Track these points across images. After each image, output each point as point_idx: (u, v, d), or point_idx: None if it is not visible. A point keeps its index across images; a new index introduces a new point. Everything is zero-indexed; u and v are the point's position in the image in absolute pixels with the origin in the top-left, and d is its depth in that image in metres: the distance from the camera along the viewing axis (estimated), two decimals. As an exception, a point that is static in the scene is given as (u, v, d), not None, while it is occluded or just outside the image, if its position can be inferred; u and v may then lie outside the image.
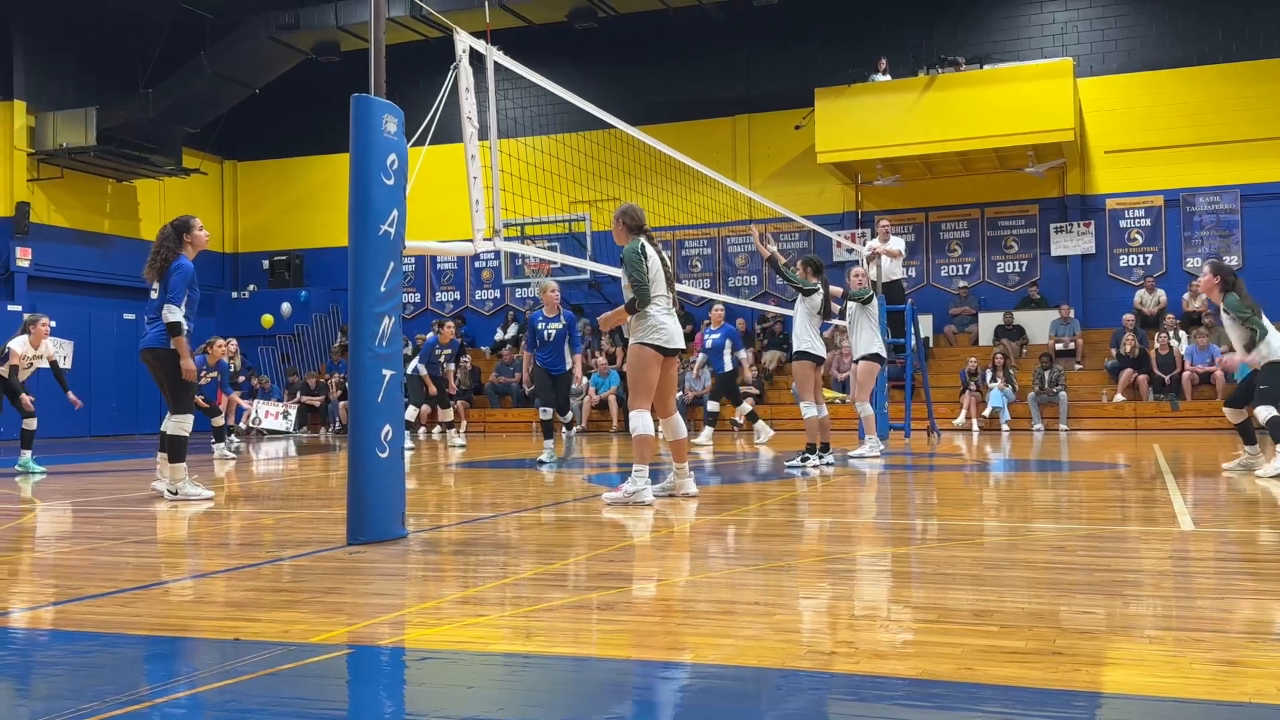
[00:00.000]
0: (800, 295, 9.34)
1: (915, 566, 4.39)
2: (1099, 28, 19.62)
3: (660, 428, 6.91)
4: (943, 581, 3.92)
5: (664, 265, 6.72)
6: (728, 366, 14.36)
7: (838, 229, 19.89)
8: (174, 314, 7.06)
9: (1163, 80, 19.20)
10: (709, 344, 14.52)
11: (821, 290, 9.36)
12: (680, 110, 21.32)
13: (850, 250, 17.04)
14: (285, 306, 23.32)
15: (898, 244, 15.54)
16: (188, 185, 23.44)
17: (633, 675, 2.75)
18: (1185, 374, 16.96)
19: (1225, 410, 8.63)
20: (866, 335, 10.93)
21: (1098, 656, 2.78)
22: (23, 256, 20.34)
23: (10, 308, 19.04)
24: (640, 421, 6.60)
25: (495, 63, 6.31)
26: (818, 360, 9.37)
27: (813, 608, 3.51)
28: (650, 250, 6.66)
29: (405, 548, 4.83)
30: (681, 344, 6.72)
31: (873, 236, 16.17)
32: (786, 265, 9.75)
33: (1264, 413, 7.90)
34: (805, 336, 9.32)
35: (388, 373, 4.88)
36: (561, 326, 10.67)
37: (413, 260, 22.17)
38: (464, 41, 5.71)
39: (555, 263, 10.71)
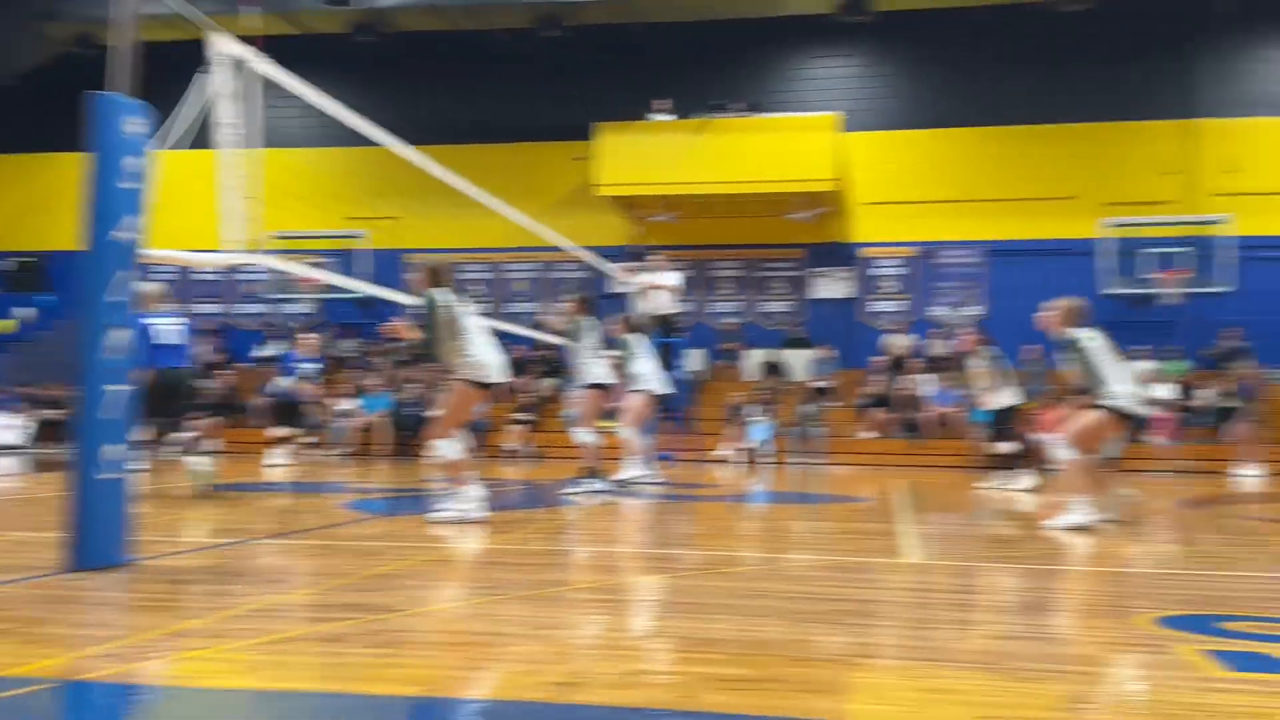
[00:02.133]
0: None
1: (662, 595, 4.48)
2: (864, 85, 20.88)
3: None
4: (686, 611, 4.01)
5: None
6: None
7: (616, 261, 20.22)
8: None
9: (920, 139, 20.59)
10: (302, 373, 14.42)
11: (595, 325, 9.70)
12: (461, 133, 21.14)
13: (627, 283, 17.33)
14: (23, 312, 21.58)
15: (672, 278, 15.94)
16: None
17: (356, 710, 2.67)
18: (928, 414, 18.13)
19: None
20: (642, 364, 11.18)
21: (816, 684, 2.90)
22: None
23: None
24: (449, 447, 6.91)
25: (261, 69, 6.08)
26: (605, 389, 9.74)
27: (552, 638, 3.51)
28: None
29: (129, 575, 4.52)
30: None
31: (647, 270, 16.51)
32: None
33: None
34: (594, 367, 9.65)
35: (114, 388, 4.56)
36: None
37: (182, 271, 20.95)
38: (221, 46, 5.47)
39: (322, 281, 10.37)
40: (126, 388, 4.64)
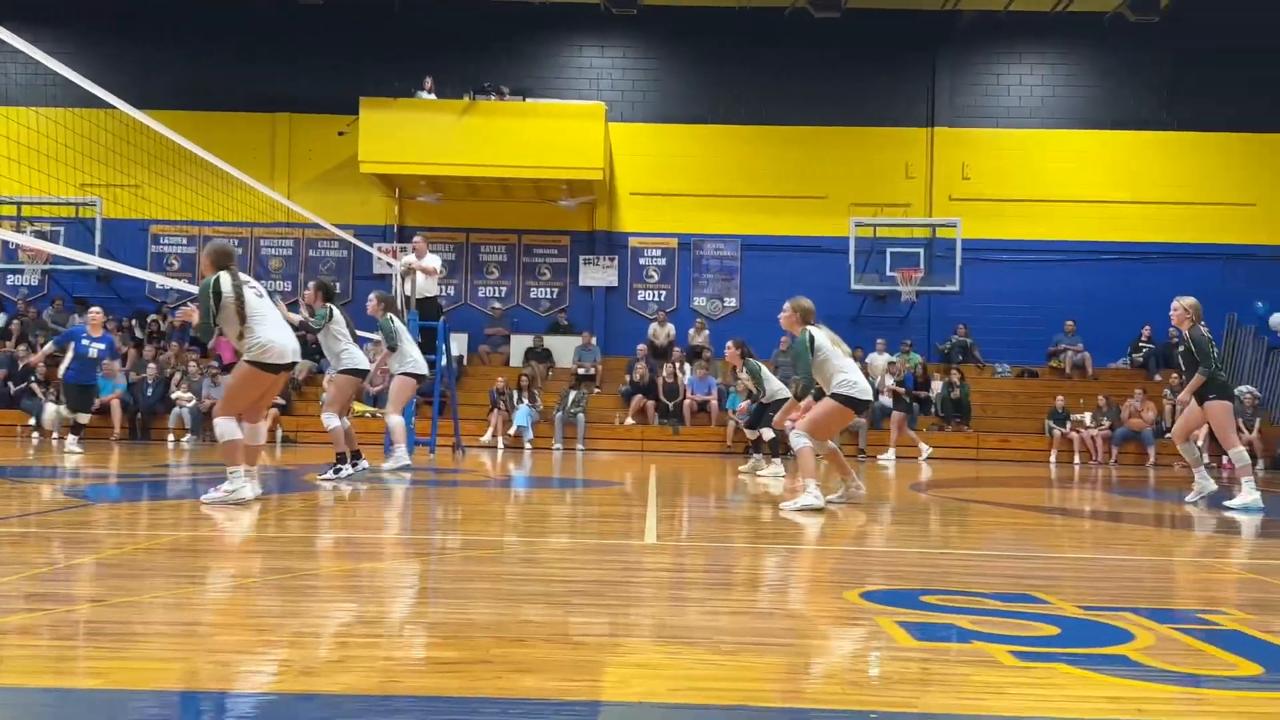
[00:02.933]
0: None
1: (389, 581, 4.37)
2: (631, 78, 21.21)
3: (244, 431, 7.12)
4: (409, 596, 3.93)
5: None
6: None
7: (379, 241, 19.70)
8: None
9: (682, 133, 21.12)
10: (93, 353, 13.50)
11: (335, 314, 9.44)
12: (214, 100, 20.07)
13: (389, 264, 16.92)
14: None
15: (434, 261, 15.65)
16: None
17: (34, 706, 2.45)
18: (687, 402, 18.65)
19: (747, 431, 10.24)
20: (404, 347, 10.92)
21: (523, 664, 2.89)
22: None
23: None
24: (228, 428, 6.92)
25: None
26: (360, 374, 9.53)
27: (256, 627, 3.35)
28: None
29: None
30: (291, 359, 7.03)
31: (410, 252, 16.16)
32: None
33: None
34: (346, 353, 9.33)
35: None
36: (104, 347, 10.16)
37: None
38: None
39: (48, 251, 9.57)
40: None
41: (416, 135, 18.77)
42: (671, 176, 20.92)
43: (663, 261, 21.17)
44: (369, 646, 3.04)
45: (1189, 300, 9.20)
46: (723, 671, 2.83)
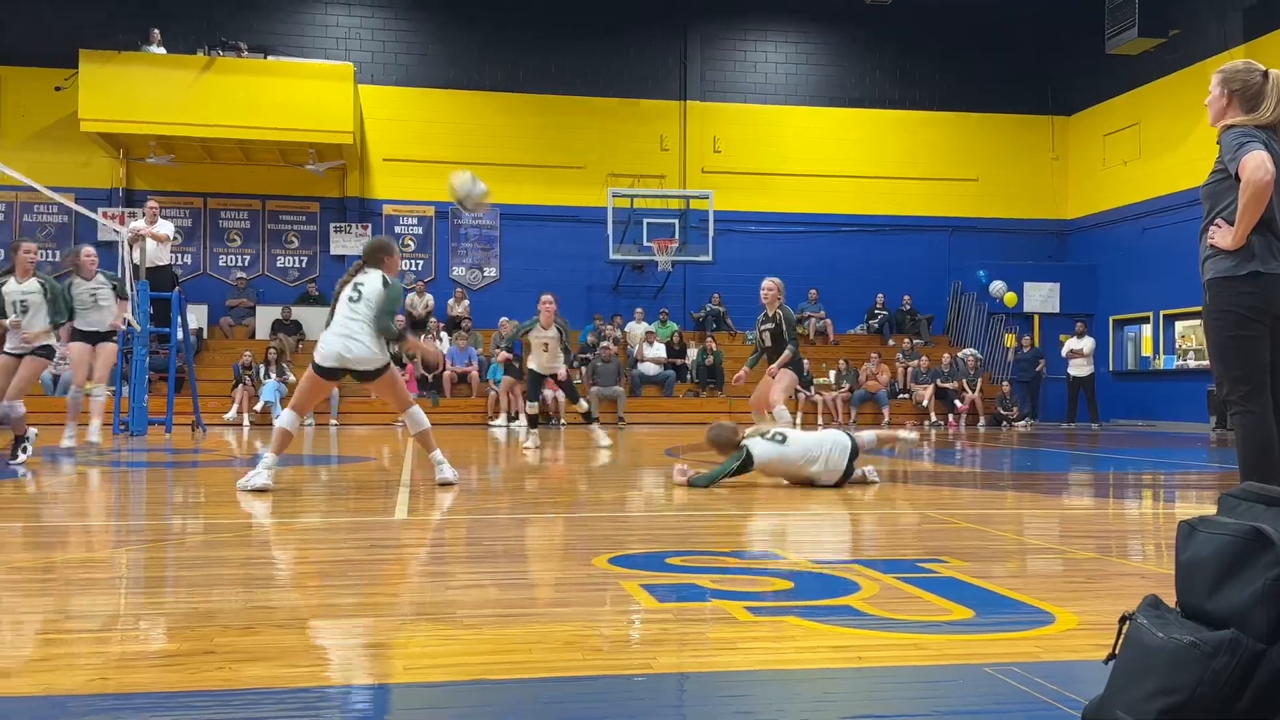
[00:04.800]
0: None
1: (102, 573, 4.05)
2: (380, 39, 20.52)
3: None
4: (125, 586, 3.65)
5: None
6: None
7: (104, 206, 18.27)
8: None
9: (439, 99, 20.65)
10: None
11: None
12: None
13: (116, 231, 15.70)
14: None
15: (166, 228, 14.66)
16: None
17: None
18: (447, 373, 18.37)
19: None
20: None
21: (248, 652, 2.73)
22: None
23: None
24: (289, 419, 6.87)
25: None
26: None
27: (-54, 629, 3.02)
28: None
29: None
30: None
31: (140, 218, 15.05)
32: None
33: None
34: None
35: None
36: None
37: None
38: None
39: None
40: None
41: (145, 92, 17.46)
42: (427, 143, 20.43)
43: (419, 230, 20.70)
44: (80, 643, 2.79)
45: (777, 281, 9.91)
46: (461, 646, 2.77)
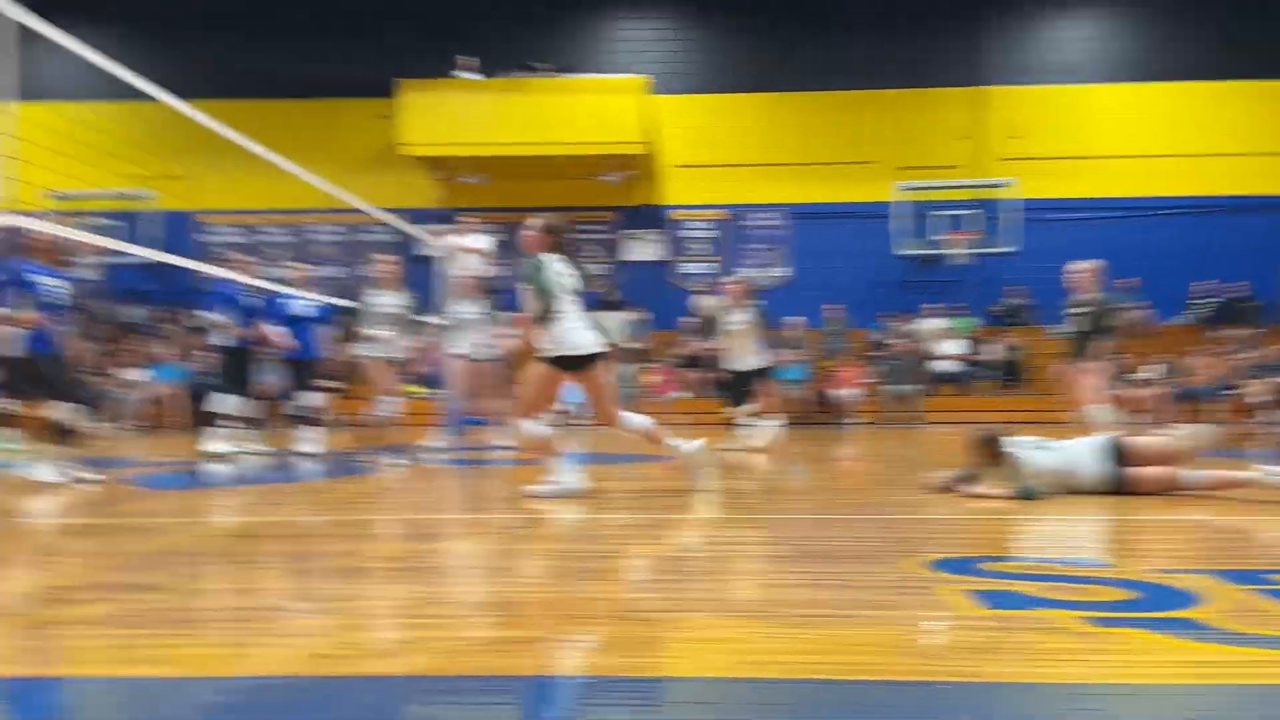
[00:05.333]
0: None
1: (445, 561, 4.40)
2: (673, 49, 21.03)
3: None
4: (465, 575, 3.95)
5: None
6: None
7: (423, 224, 19.80)
8: None
9: (727, 103, 20.93)
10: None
11: None
12: (256, 87, 20.20)
13: (435, 245, 16.97)
14: None
15: (483, 242, 15.67)
16: None
17: (119, 694, 2.50)
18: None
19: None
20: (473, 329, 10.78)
21: (588, 640, 2.89)
22: None
23: None
24: (535, 425, 6.61)
25: (19, 21, 5.60)
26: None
27: (324, 610, 3.39)
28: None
29: None
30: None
31: (456, 234, 16.18)
32: None
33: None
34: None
35: None
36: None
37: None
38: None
39: (104, 246, 9.72)
40: None
41: (458, 115, 18.77)
42: (716, 147, 20.75)
43: (709, 234, 21.07)
44: (434, 628, 3.05)
45: (1094, 263, 9.18)
46: (787, 644, 2.81)
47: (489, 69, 19.43)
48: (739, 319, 10.83)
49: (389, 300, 9.96)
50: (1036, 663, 2.62)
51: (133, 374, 16.92)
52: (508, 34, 20.54)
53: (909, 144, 20.68)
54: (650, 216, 21.03)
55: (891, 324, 19.31)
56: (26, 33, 5.92)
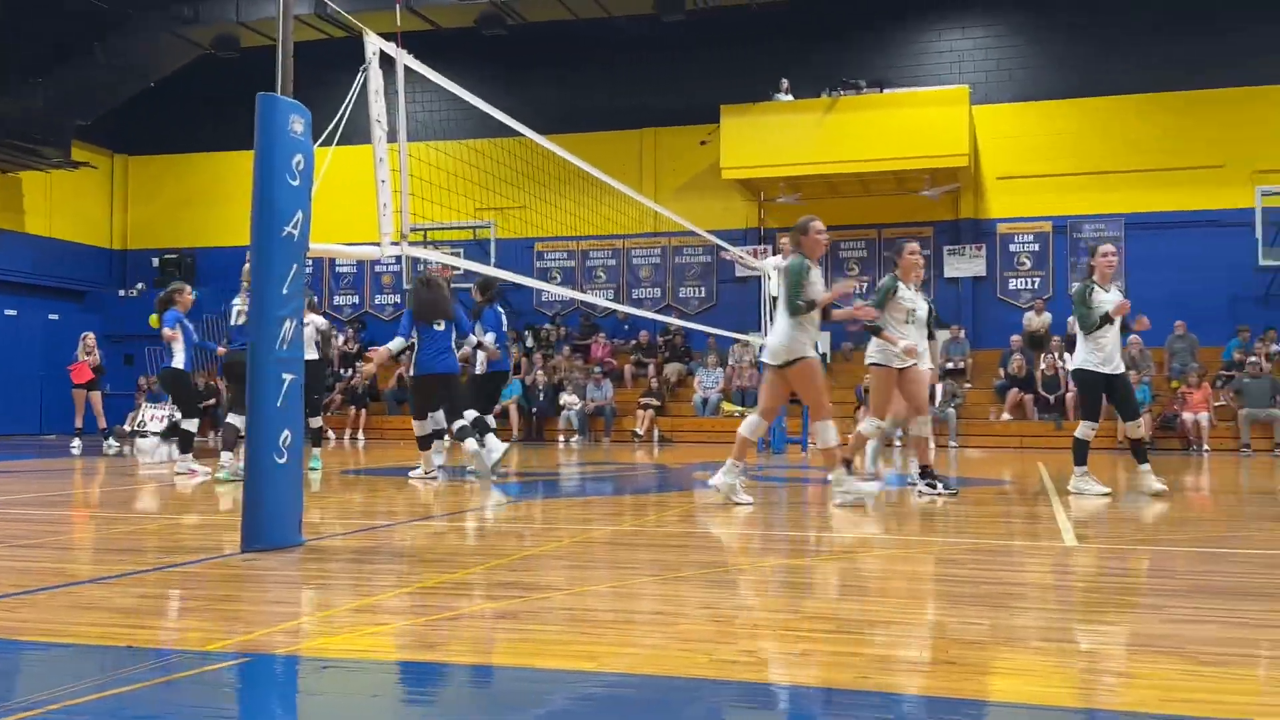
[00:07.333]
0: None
1: (811, 577, 4.48)
2: (994, 57, 20.30)
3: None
4: (836, 593, 4.01)
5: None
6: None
7: (741, 244, 20.16)
8: None
9: (1053, 110, 19.94)
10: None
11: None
12: (587, 121, 21.35)
13: (753, 266, 17.27)
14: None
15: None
16: (76, 179, 22.68)
17: (536, 684, 2.76)
18: (1069, 394, 17.58)
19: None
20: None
21: (986, 666, 2.87)
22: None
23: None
24: (829, 431, 6.94)
25: (405, 66, 6.27)
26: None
27: (713, 617, 3.55)
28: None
29: (302, 555, 4.75)
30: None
31: (775, 253, 16.40)
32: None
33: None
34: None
35: (288, 376, 4.78)
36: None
37: (311, 263, 21.75)
38: (374, 43, 5.66)
39: (459, 269, 10.64)
40: (296, 376, 4.87)
41: (775, 138, 19.01)
42: (1040, 156, 19.81)
43: (1035, 247, 20.10)
44: (831, 642, 3.13)
45: None
46: (1209, 684, 2.67)
47: (807, 90, 19.55)
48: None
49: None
50: None
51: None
52: (826, 54, 20.57)
53: (1268, 145, 18.83)
54: (970, 230, 20.36)
55: (1255, 342, 17.60)
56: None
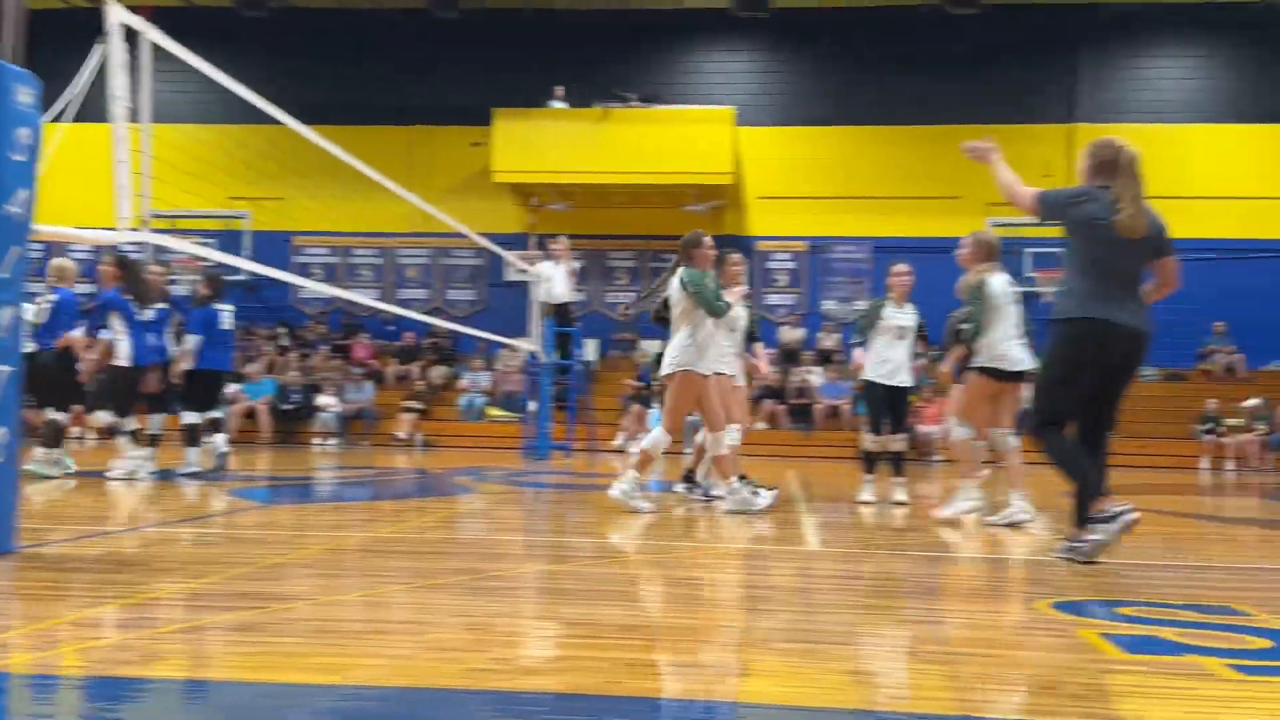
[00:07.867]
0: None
1: (569, 583, 4.48)
2: (758, 81, 21.13)
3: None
4: (593, 598, 4.02)
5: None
6: None
7: (512, 248, 20.08)
8: None
9: (810, 135, 20.95)
10: None
11: None
12: (353, 114, 20.66)
13: (523, 270, 17.24)
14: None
15: (567, 267, 15.89)
16: None
17: (271, 698, 2.60)
18: (818, 406, 18.50)
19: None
20: None
21: (735, 668, 2.94)
22: None
23: None
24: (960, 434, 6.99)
25: (152, 42, 5.86)
26: None
27: (467, 625, 3.47)
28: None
29: (16, 563, 4.32)
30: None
31: (546, 258, 16.43)
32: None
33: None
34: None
35: (5, 369, 4.35)
36: None
37: (44, 248, 20.02)
38: (117, 15, 5.25)
39: (208, 260, 10.00)
40: (13, 369, 4.43)
41: (548, 144, 19.05)
42: (800, 179, 20.77)
43: (792, 265, 21.05)
44: (584, 648, 3.12)
45: None
46: (936, 681, 2.83)
47: (580, 99, 19.70)
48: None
49: None
50: (1197, 710, 2.60)
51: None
52: (601, 66, 20.76)
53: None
54: (734, 247, 20.99)
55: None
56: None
